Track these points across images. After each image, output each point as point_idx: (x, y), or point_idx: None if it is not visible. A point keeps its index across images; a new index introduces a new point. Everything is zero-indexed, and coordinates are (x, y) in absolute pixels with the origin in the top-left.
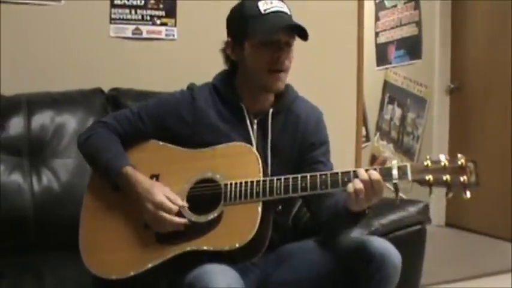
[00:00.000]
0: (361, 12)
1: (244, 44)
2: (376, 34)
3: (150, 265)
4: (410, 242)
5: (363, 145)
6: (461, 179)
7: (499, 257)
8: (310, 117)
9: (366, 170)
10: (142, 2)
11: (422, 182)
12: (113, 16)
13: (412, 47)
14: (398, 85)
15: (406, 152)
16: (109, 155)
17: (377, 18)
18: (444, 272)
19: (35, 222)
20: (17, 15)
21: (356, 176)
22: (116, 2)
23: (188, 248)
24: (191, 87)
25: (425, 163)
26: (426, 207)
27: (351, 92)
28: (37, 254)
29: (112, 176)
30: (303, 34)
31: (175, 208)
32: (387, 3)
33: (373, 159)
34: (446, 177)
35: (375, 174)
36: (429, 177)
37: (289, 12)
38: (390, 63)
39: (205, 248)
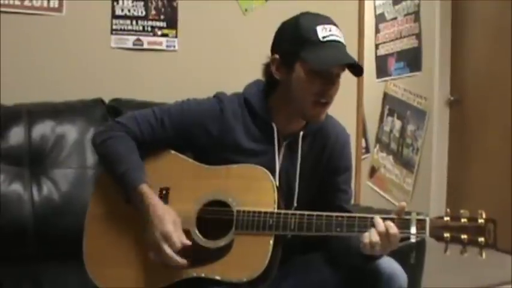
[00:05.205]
0: (362, 25)
1: (294, 65)
2: (376, 46)
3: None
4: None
5: (363, 157)
6: (480, 239)
7: (499, 269)
8: (338, 139)
9: (384, 220)
10: (144, 13)
11: (439, 239)
12: (114, 27)
13: (412, 59)
14: (398, 97)
15: (406, 164)
16: (126, 166)
17: (377, 31)
18: (444, 283)
19: (35, 232)
20: (18, 25)
21: (373, 224)
22: (117, 13)
23: (195, 275)
24: (219, 97)
25: (445, 219)
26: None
27: (351, 103)
28: (37, 264)
29: (127, 190)
30: (358, 71)
31: (178, 244)
32: (387, 16)
33: (373, 171)
34: (464, 236)
35: (393, 228)
36: (447, 234)
37: (345, 43)
38: (390, 75)
39: (212, 277)
